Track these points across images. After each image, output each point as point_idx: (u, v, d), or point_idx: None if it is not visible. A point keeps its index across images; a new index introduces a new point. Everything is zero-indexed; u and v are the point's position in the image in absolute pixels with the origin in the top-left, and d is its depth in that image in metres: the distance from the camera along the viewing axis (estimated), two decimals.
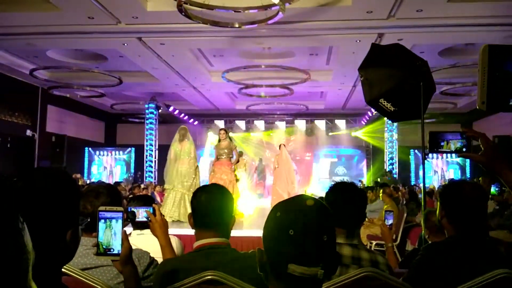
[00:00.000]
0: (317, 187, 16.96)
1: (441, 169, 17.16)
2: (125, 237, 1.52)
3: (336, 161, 18.32)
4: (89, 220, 1.90)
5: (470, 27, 8.39)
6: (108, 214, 1.54)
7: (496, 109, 1.34)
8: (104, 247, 1.52)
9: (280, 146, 10.41)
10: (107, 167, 17.68)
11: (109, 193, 1.96)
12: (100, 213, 1.54)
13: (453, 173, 16.93)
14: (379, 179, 15.30)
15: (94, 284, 1.67)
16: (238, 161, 8.73)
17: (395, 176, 16.13)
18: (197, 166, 7.90)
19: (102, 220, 1.53)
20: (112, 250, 1.52)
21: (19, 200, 0.98)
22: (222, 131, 8.57)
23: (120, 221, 1.53)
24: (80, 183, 12.19)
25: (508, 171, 1.42)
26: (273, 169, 10.62)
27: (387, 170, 16.34)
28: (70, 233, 1.08)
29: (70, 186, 1.10)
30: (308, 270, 1.03)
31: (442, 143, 1.57)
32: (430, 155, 14.69)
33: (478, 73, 1.34)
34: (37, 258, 0.99)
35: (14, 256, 0.71)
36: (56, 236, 1.05)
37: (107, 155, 17.76)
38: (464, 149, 1.54)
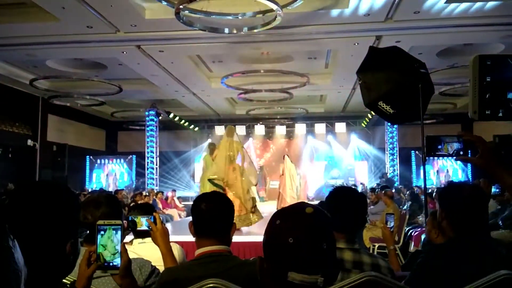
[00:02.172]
0: (313, 191, 17.12)
1: (444, 170, 17.12)
2: (124, 250, 1.50)
3: (331, 163, 18.26)
4: (88, 232, 1.91)
5: (467, 28, 8.41)
6: (107, 228, 1.50)
7: (487, 118, 1.35)
8: (103, 260, 1.49)
9: (284, 156, 11.21)
10: (108, 175, 17.69)
11: (109, 203, 1.96)
12: (99, 226, 1.50)
13: (455, 174, 16.89)
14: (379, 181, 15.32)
15: None
16: None
17: (394, 177, 16.12)
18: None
19: (101, 233, 1.49)
20: (111, 263, 1.49)
21: (8, 217, 0.99)
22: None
23: (119, 233, 1.50)
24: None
25: (505, 174, 1.43)
26: (279, 176, 11.27)
27: (385, 172, 16.36)
28: (70, 245, 1.08)
29: (67, 199, 1.10)
30: (308, 278, 1.04)
31: (439, 147, 1.58)
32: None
33: (470, 83, 1.35)
34: (37, 271, 1.00)
35: (4, 274, 0.71)
36: (55, 248, 1.05)
37: (108, 163, 17.76)
38: (461, 152, 1.55)
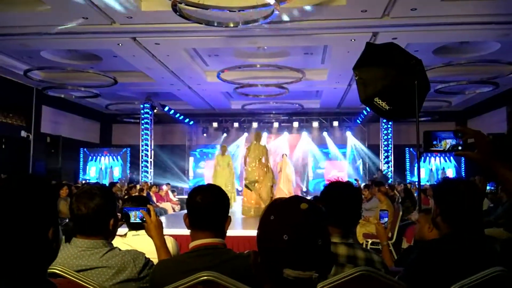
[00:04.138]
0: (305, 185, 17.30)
1: (437, 168, 17.20)
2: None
3: (322, 158, 18.34)
4: (67, 220, 1.92)
5: (464, 26, 8.41)
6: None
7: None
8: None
9: (283, 155, 12.47)
10: (102, 167, 17.62)
11: (103, 194, 1.95)
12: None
13: (449, 172, 16.98)
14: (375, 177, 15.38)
15: (89, 286, 1.67)
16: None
17: (388, 173, 16.19)
18: (233, 173, 10.65)
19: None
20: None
21: None
22: None
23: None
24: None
25: (503, 168, 1.43)
26: (278, 172, 12.05)
27: (379, 168, 16.41)
28: (52, 231, 1.11)
29: (41, 191, 1.15)
30: (303, 274, 1.03)
31: (437, 142, 1.58)
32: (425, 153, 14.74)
33: None
34: (23, 260, 1.06)
35: None
36: (37, 236, 1.09)
37: (103, 155, 17.69)
38: (459, 148, 1.55)
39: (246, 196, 8.89)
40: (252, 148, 9.08)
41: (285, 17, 8.12)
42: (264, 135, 17.93)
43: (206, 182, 14.55)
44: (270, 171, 9.14)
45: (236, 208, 10.15)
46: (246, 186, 8.86)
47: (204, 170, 18.03)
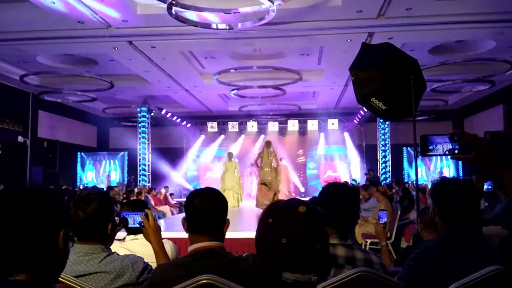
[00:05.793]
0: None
1: (435, 167, 17.23)
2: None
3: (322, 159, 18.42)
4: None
5: (459, 25, 8.44)
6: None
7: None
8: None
9: (281, 159, 13.19)
10: (100, 171, 17.58)
11: (101, 199, 1.95)
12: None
13: (446, 171, 17.01)
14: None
15: None
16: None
17: (386, 173, 16.20)
18: (239, 177, 12.12)
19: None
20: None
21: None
22: None
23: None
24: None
25: (502, 169, 1.43)
26: None
27: (370, 168, 16.42)
28: (62, 239, 1.10)
29: (54, 203, 1.14)
30: (301, 277, 1.03)
31: (434, 146, 1.59)
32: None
33: None
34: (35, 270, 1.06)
35: None
36: (49, 246, 1.09)
37: (100, 159, 17.65)
38: (456, 151, 1.56)
39: (264, 193, 10.21)
40: (265, 154, 10.44)
41: (281, 19, 8.13)
42: (262, 137, 17.97)
43: (202, 185, 14.62)
44: (279, 173, 10.67)
45: (241, 208, 11.34)
46: (264, 184, 10.21)
47: (201, 173, 18.03)
